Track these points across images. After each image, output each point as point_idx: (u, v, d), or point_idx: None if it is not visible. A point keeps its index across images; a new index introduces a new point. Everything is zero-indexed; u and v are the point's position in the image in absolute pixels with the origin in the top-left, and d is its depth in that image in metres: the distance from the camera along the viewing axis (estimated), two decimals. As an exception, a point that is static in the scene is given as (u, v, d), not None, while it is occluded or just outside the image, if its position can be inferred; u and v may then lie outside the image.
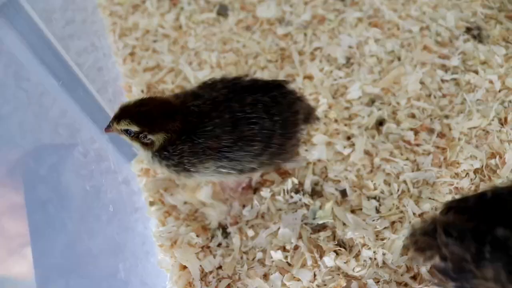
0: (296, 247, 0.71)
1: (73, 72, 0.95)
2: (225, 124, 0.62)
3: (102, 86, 0.92)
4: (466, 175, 0.76)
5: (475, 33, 0.93)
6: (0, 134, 0.93)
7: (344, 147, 0.79)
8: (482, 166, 0.77)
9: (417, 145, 0.79)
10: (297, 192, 0.76)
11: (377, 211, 0.74)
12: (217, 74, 0.88)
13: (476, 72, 0.87)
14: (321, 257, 0.69)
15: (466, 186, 0.75)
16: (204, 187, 0.76)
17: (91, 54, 0.97)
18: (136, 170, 0.81)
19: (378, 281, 0.68)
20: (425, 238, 0.54)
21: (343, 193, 0.76)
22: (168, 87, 0.87)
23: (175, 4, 0.98)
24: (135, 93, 0.88)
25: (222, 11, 0.96)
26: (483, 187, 0.74)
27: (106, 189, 0.81)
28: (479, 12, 0.96)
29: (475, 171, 0.77)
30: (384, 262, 0.69)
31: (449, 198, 0.74)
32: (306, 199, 0.75)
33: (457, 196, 0.74)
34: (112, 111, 0.86)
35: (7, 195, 0.85)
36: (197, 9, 0.97)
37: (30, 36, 0.97)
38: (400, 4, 0.96)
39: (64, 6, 1.08)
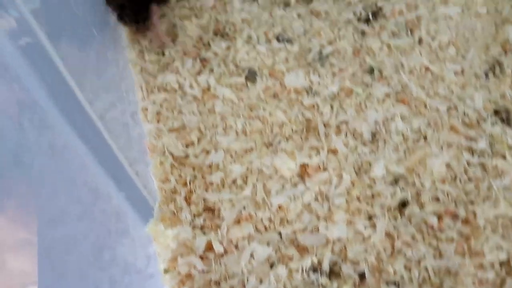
0: (310, 331, 0.69)
1: (97, 126, 0.96)
2: None
3: (127, 143, 0.93)
4: (491, 267, 0.74)
5: (504, 116, 0.92)
6: (20, 180, 0.94)
7: (365, 227, 0.78)
8: (509, 258, 0.75)
9: (440, 230, 0.77)
10: (314, 270, 0.74)
11: (397, 298, 0.71)
12: (242, 141, 0.88)
13: (504, 157, 0.86)
14: None
15: (491, 278, 0.73)
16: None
17: (118, 109, 0.98)
18: (153, 233, 0.80)
19: None
20: None
21: (362, 276, 0.74)
22: (193, 151, 0.87)
23: (205, 65, 1.00)
24: (159, 154, 0.88)
25: (251, 77, 0.97)
26: (510, 282, 0.72)
27: (122, 251, 0.80)
28: (508, 95, 0.95)
29: (501, 264, 0.74)
30: None
31: (472, 290, 0.72)
32: (324, 279, 0.73)
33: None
34: (134, 172, 0.86)
35: (15, 232, 0.85)
36: (226, 72, 0.98)
37: (56, 85, 0.99)
38: (428, 82, 0.96)
39: (97, 58, 1.11)
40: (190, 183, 0.84)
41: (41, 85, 0.98)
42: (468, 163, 0.85)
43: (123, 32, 1.14)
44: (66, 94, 1.00)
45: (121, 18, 0.98)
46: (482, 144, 0.88)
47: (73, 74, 1.02)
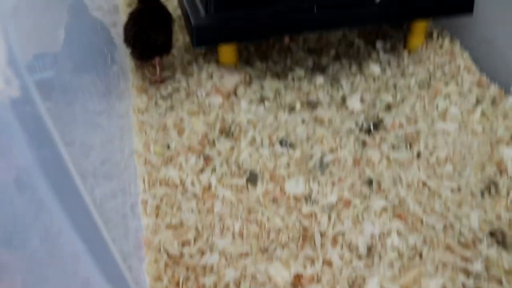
0: None
1: (95, 215, 0.96)
2: None
3: (123, 236, 0.93)
4: None
5: (499, 238, 0.93)
6: (8, 255, 0.92)
7: None
8: None
9: None
10: None
11: None
12: (238, 245, 0.88)
13: (500, 282, 0.86)
14: None
15: None
16: None
17: (118, 199, 0.99)
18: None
19: None
20: None
21: None
22: (188, 251, 0.87)
23: (208, 163, 1.02)
24: (155, 250, 0.88)
25: (252, 179, 0.99)
26: None
27: None
28: (503, 216, 0.97)
29: None
30: None
31: None
32: None
33: None
34: (127, 267, 0.85)
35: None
36: (228, 172, 1.01)
37: (55, 168, 0.99)
38: (425, 197, 0.98)
39: (102, 144, 1.13)
40: (182, 284, 0.83)
41: (40, 166, 0.99)
42: (464, 286, 0.85)
43: (132, 121, 1.18)
44: (66, 179, 1.01)
45: (132, 52, 1.26)
46: (477, 267, 0.87)
47: (75, 158, 1.04)
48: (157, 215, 0.94)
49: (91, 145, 1.10)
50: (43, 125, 0.93)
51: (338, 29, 1.46)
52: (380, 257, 0.87)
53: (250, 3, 1.17)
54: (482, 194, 1.01)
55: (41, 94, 0.93)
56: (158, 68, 1.27)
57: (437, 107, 1.20)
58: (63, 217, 0.93)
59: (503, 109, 1.19)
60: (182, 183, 0.99)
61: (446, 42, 1.40)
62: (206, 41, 1.19)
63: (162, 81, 1.28)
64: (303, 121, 1.12)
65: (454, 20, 1.40)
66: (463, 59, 1.35)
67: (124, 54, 1.42)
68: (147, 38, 1.20)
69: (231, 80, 1.22)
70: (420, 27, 1.37)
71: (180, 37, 1.46)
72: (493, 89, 1.25)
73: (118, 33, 1.48)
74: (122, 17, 1.64)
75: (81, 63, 1.26)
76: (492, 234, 0.94)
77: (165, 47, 1.24)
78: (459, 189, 1.01)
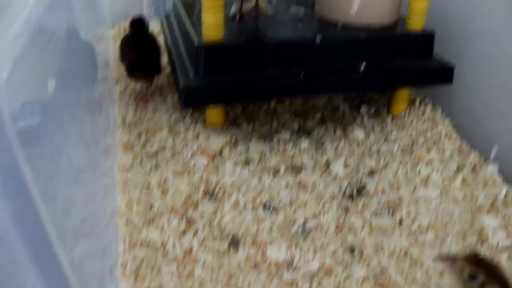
0: None
1: (70, 277, 0.93)
2: None
3: (100, 300, 0.90)
4: None
5: (481, 311, 0.92)
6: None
7: None
8: None
9: None
10: None
11: None
12: (217, 313, 0.86)
13: None
14: None
15: None
16: None
17: (97, 260, 0.97)
18: None
19: None
20: None
21: None
22: (165, 318, 0.85)
23: (191, 226, 1.02)
24: (131, 316, 0.86)
25: (234, 243, 0.98)
26: None
27: None
28: (485, 287, 0.96)
29: None
30: None
31: None
32: None
33: None
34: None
35: None
36: (210, 235, 1.00)
37: (31, 223, 0.97)
38: (407, 266, 0.98)
39: (84, 202, 1.12)
40: None
41: (15, 219, 0.96)
42: None
43: (115, 178, 1.18)
44: (42, 235, 0.97)
45: (130, 72, 1.41)
46: None
47: (55, 214, 1.01)
48: (136, 278, 0.92)
49: (73, 201, 1.09)
50: (21, 175, 0.92)
51: (324, 94, 1.50)
52: (361, 329, 0.86)
53: (239, 67, 1.20)
54: (464, 263, 1.01)
55: (24, 144, 0.92)
56: (150, 86, 1.51)
57: (419, 173, 1.22)
58: (37, 276, 0.91)
59: (483, 177, 1.21)
60: (163, 245, 0.98)
61: (428, 109, 1.45)
62: (194, 102, 1.21)
63: (152, 95, 1.50)
64: (287, 185, 1.13)
65: (436, 88, 1.45)
66: (444, 126, 1.39)
67: (112, 110, 1.44)
68: (149, 64, 1.43)
69: (217, 141, 1.24)
70: (403, 94, 1.42)
71: (169, 96, 1.49)
72: (473, 157, 1.28)
73: (108, 88, 1.50)
74: (113, 72, 1.67)
75: (69, 116, 1.27)
76: (474, 305, 0.93)
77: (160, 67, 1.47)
78: (441, 258, 1.01)
